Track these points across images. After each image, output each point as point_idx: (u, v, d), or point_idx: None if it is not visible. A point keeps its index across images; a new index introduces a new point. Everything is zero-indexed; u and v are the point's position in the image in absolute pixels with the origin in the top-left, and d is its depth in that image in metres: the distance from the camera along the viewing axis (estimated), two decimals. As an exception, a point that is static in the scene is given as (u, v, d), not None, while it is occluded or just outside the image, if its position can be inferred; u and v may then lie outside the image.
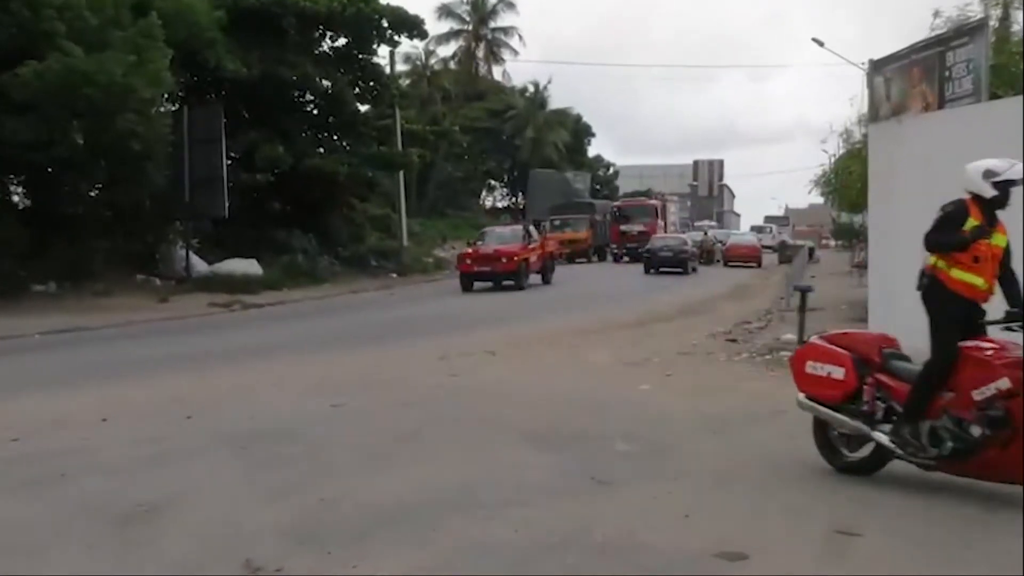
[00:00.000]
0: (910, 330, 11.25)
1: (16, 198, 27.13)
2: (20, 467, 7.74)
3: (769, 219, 78.96)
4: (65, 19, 21.45)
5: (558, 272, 33.47)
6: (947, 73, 10.59)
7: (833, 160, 27.34)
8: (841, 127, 26.20)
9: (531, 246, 30.49)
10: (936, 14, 19.02)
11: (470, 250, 30.12)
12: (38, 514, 6.47)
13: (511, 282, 28.43)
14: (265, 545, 5.67)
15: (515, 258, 28.71)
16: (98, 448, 8.38)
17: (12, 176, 25.92)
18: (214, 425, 9.27)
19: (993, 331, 6.49)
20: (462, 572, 5.29)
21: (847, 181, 22.02)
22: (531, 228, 31.84)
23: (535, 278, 30.70)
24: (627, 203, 53.50)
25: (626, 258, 46.04)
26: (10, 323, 19.12)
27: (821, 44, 34.84)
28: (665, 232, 49.21)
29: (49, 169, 24.34)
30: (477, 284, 29.03)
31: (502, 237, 30.71)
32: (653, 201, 53.49)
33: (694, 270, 38.81)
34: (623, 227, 48.34)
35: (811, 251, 45.73)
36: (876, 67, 12.27)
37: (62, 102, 21.15)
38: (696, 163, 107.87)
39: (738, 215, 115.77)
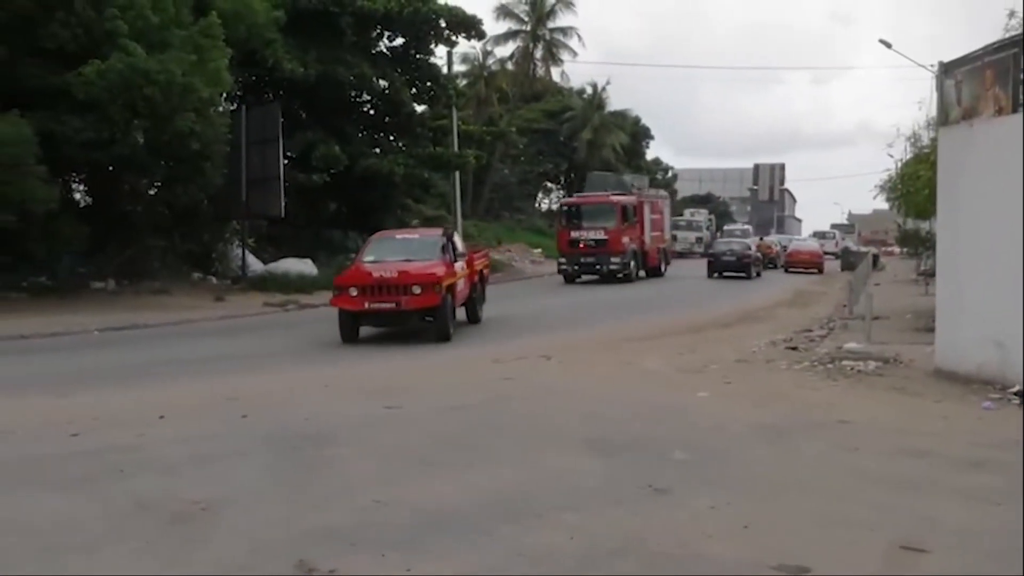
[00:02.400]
0: (977, 340, 11.04)
1: (77, 196, 27.61)
2: (79, 462, 7.82)
3: (835, 226, 78.37)
4: (128, 19, 21.75)
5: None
6: (1022, 76, 10.25)
7: (900, 165, 26.78)
8: (909, 131, 25.55)
9: (456, 264, 18.32)
10: (1011, 14, 18.54)
11: (355, 269, 17.89)
12: (96, 510, 6.53)
13: (429, 321, 16.98)
14: (318, 546, 5.65)
15: (437, 286, 16.56)
16: (155, 445, 8.44)
17: (74, 174, 26.40)
18: (269, 425, 9.30)
19: None
20: (516, 578, 5.21)
21: (914, 187, 21.53)
22: (454, 235, 20.26)
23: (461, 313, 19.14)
24: (581, 200, 36.86)
25: (586, 276, 33.95)
26: (70, 319, 19.45)
27: (889, 46, 34.27)
28: (643, 241, 36.09)
29: (110, 168, 24.74)
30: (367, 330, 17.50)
31: (410, 249, 18.23)
32: (621, 198, 35.57)
33: (758, 275, 38.44)
34: (574, 233, 34.10)
35: (875, 258, 44.83)
36: (947, 69, 11.92)
37: (123, 101, 21.46)
38: (757, 167, 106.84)
39: (799, 220, 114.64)
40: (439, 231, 20.02)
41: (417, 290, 16.40)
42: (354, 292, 16.54)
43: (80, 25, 21.64)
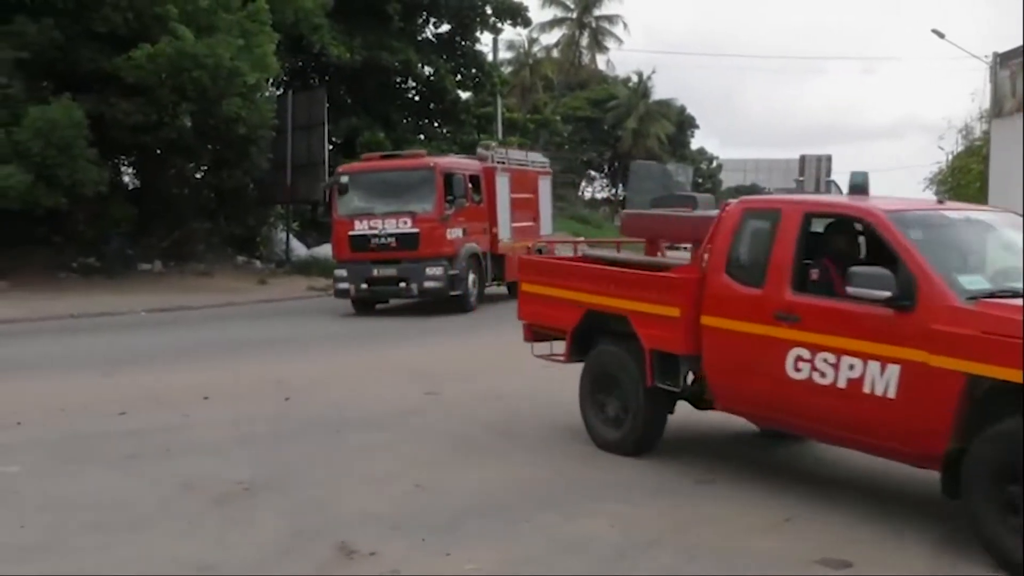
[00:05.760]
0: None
1: (126, 178, 27.97)
2: (126, 441, 7.94)
3: None
4: (177, 3, 21.97)
5: None
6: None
7: (950, 157, 26.36)
8: (960, 123, 25.11)
9: None
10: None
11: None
12: (143, 488, 6.64)
13: None
14: (360, 529, 5.70)
15: None
16: (199, 426, 8.56)
17: (122, 157, 26.72)
18: (311, 408, 9.38)
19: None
20: (555, 565, 5.24)
21: (965, 180, 21.22)
22: None
23: None
24: (372, 165, 20.18)
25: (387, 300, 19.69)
26: (118, 300, 19.73)
27: (942, 36, 33.66)
28: (494, 237, 20.46)
29: (158, 151, 25.05)
30: None
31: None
32: (449, 162, 20.33)
33: None
34: (360, 224, 18.75)
35: None
36: (1001, 60, 11.77)
37: (172, 85, 21.68)
38: (803, 158, 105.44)
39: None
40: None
41: None
42: None
43: (131, 9, 21.84)
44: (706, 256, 6.96)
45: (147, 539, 5.62)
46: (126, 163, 27.70)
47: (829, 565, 5.18)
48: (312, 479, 6.85)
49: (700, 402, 7.47)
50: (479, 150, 22.30)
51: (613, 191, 68.23)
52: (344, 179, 19.31)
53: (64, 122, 20.37)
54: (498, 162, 21.52)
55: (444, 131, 36.22)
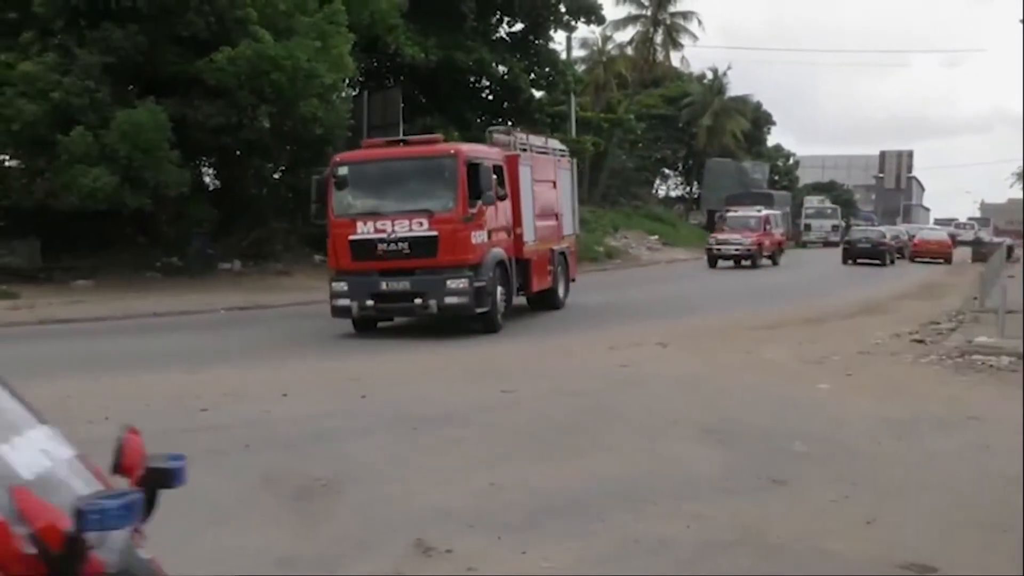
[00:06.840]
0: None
1: (207, 179, 28.56)
2: (208, 436, 8.09)
3: (972, 219, 77.72)
4: (257, 6, 22.36)
5: None
6: None
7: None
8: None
9: None
10: None
11: None
12: (224, 482, 6.74)
13: None
14: (436, 526, 5.72)
15: None
16: (279, 422, 8.70)
17: (203, 158, 27.29)
18: (387, 405, 9.46)
19: None
20: (631, 566, 5.21)
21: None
22: None
23: None
24: (377, 154, 16.47)
25: (390, 320, 16.78)
26: (199, 298, 20.17)
27: None
28: (519, 238, 17.10)
29: (237, 152, 25.54)
30: None
31: None
32: (468, 148, 16.31)
33: (892, 262, 37.63)
34: (364, 226, 15.20)
35: (1010, 249, 42.89)
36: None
37: (251, 87, 22.07)
38: (883, 154, 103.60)
39: (927, 209, 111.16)
40: None
41: None
42: None
43: (213, 13, 22.31)
44: None
45: (227, 532, 5.73)
46: (207, 164, 28.30)
47: (913, 570, 5.06)
48: (389, 475, 6.92)
49: None
50: (496, 135, 18.67)
51: (687, 189, 67.72)
52: (342, 171, 15.69)
53: (149, 125, 20.88)
54: (519, 150, 18.13)
55: (518, 130, 36.35)
